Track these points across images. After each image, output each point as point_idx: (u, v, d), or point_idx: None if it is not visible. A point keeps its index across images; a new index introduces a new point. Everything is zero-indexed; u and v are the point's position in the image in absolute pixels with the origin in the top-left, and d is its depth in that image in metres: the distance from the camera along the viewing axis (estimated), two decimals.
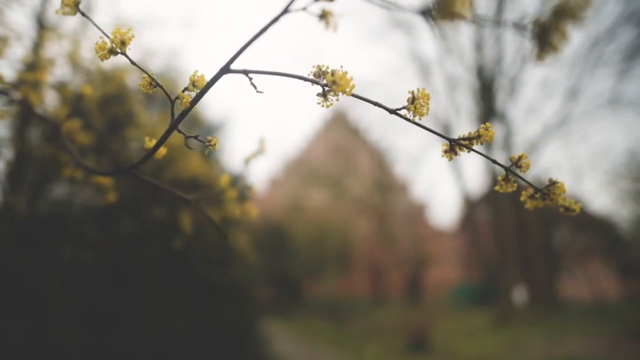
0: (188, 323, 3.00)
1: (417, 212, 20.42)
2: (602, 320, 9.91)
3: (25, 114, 1.91)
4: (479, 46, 11.70)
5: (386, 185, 17.52)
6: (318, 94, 0.65)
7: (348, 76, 0.62)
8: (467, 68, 12.00)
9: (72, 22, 2.18)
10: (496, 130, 11.83)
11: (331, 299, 14.49)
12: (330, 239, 14.67)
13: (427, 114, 0.65)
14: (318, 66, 0.64)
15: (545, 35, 0.51)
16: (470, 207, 12.93)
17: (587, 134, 17.12)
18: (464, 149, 0.68)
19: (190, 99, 0.70)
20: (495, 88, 11.65)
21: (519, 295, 12.75)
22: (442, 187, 42.18)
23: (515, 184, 0.70)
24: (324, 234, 14.66)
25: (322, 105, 0.65)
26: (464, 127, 12.54)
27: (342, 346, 7.77)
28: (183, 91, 0.71)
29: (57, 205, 2.45)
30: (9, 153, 2.04)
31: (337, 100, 0.64)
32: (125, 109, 2.18)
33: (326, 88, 0.64)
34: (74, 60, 1.81)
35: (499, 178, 0.70)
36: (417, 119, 0.66)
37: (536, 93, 19.66)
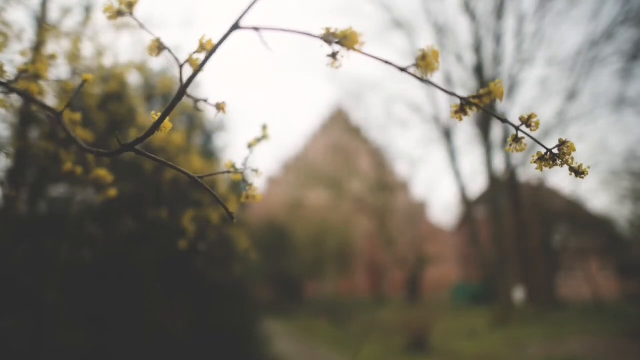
0: (188, 322, 3.00)
1: (417, 212, 20.42)
2: (601, 320, 9.93)
3: (26, 110, 1.91)
4: (477, 47, 11.70)
5: (386, 185, 17.51)
6: (327, 55, 0.66)
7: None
8: (466, 68, 12.02)
9: (72, 21, 2.18)
10: (495, 130, 11.88)
11: (331, 299, 14.49)
12: (330, 239, 14.67)
13: (438, 69, 0.65)
14: (327, 28, 0.65)
15: None
16: (469, 206, 12.93)
17: (586, 133, 17.15)
18: (474, 108, 0.67)
19: (199, 62, 0.70)
20: None
21: (518, 294, 12.75)
22: (441, 186, 42.22)
23: (526, 145, 0.70)
24: (324, 234, 14.65)
25: (332, 66, 0.66)
26: (463, 128, 12.56)
27: (342, 345, 7.78)
28: (192, 54, 0.71)
29: (57, 204, 2.45)
30: (9, 153, 2.04)
31: (347, 59, 0.65)
32: (125, 107, 2.18)
33: (336, 47, 0.65)
34: (73, 59, 1.82)
35: (509, 139, 0.70)
36: (428, 76, 0.65)
37: (535, 93, 19.70)
